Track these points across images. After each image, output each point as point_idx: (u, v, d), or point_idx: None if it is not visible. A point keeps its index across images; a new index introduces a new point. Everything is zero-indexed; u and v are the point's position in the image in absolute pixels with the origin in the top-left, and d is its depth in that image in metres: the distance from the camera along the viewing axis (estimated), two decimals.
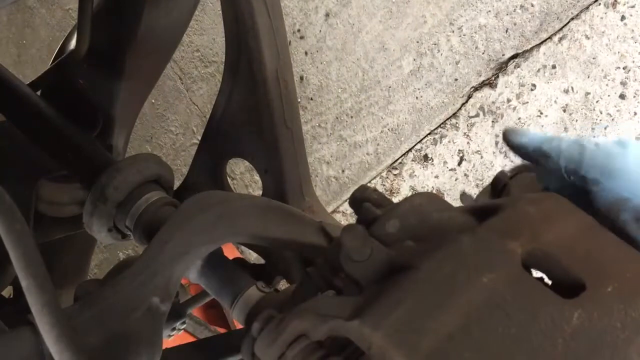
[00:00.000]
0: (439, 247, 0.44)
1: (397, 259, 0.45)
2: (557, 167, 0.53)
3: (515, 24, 1.42)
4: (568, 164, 0.52)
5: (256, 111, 0.85)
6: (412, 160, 1.66)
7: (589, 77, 1.33)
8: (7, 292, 1.02)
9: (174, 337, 0.88)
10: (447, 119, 1.58)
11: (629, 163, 0.47)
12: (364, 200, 0.53)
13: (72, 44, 0.98)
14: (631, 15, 1.33)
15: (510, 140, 0.59)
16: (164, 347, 0.67)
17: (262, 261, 0.89)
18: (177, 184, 0.96)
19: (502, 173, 0.63)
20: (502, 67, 1.47)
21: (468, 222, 0.50)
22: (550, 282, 0.46)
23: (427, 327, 0.39)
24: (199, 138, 0.94)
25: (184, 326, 0.84)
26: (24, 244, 0.42)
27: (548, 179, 0.58)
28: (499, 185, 0.61)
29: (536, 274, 0.46)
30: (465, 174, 1.55)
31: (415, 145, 1.65)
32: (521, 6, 1.41)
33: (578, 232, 0.47)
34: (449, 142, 1.58)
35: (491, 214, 0.48)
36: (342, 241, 0.45)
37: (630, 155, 0.48)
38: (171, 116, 2.30)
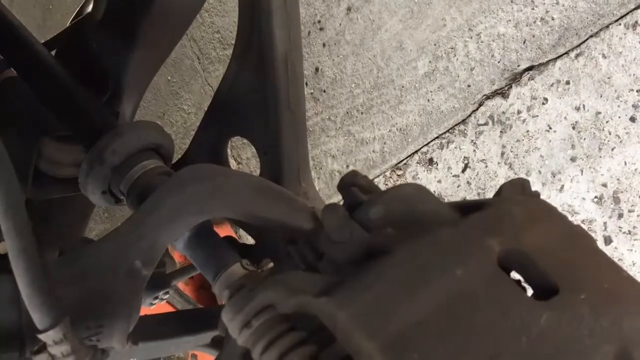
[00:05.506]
0: (418, 236, 0.44)
1: (376, 243, 0.45)
2: None
3: (533, 36, 1.41)
4: None
5: (262, 92, 0.85)
6: (417, 163, 1.66)
7: (601, 96, 1.32)
8: None
9: (157, 307, 0.88)
10: (456, 125, 1.57)
11: None
12: (353, 185, 0.53)
13: (91, 7, 0.99)
14: None
15: None
16: (144, 314, 0.67)
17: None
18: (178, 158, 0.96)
19: None
20: (516, 78, 1.46)
21: (452, 217, 0.50)
22: (526, 285, 0.46)
23: (394, 311, 0.39)
24: None
25: (167, 297, 0.84)
26: (8, 187, 0.43)
27: None
28: None
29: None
30: (468, 182, 1.55)
31: (421, 147, 1.64)
32: (542, 19, 1.40)
33: (560, 238, 0.47)
34: (456, 148, 1.57)
35: (476, 211, 0.48)
36: (323, 219, 0.45)
37: None
38: (185, 95, 2.31)
